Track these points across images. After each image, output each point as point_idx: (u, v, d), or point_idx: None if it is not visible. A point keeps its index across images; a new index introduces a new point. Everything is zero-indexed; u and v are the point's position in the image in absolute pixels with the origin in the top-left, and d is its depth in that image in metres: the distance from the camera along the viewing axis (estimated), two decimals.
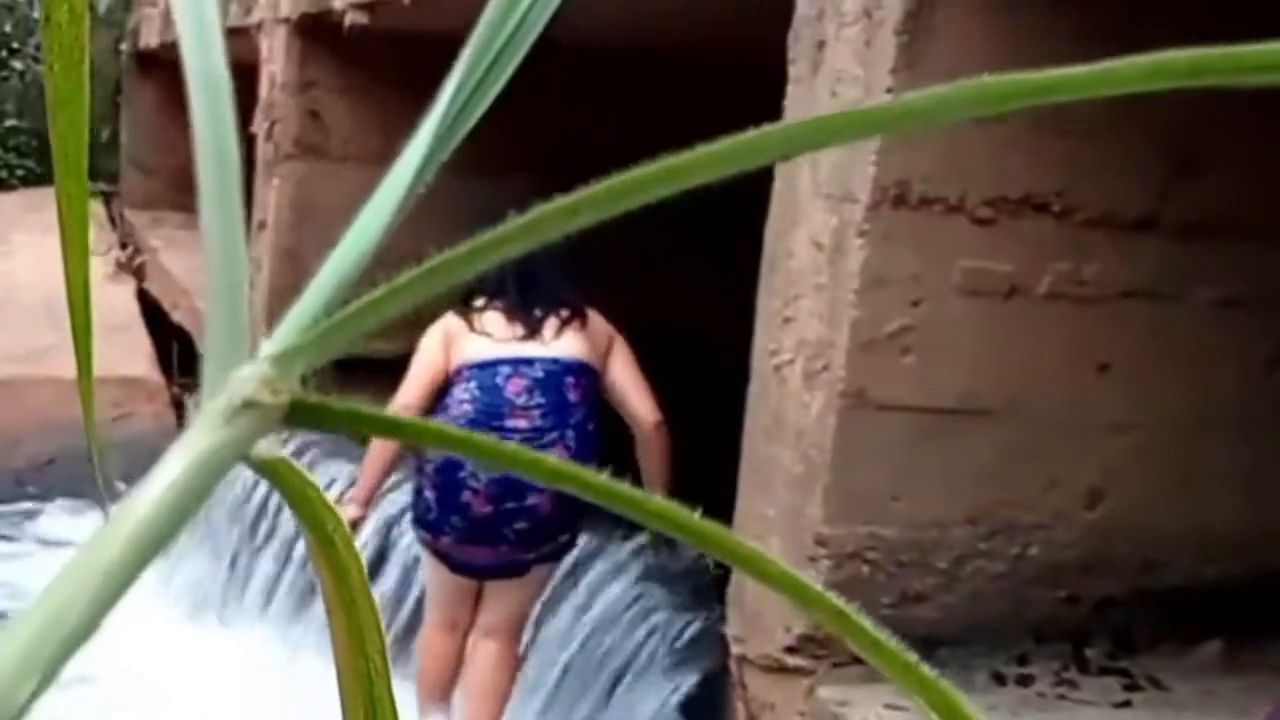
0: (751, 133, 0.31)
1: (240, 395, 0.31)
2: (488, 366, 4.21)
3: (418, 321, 4.96)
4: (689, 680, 4.09)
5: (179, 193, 10.87)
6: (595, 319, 4.35)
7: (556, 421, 4.16)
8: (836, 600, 0.34)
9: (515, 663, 4.40)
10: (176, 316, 8.56)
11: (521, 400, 4.16)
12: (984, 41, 3.19)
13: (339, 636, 0.39)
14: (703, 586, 4.20)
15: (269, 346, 0.32)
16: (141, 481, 0.30)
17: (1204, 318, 3.55)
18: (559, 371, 4.20)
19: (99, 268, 8.81)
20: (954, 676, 3.10)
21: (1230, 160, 3.47)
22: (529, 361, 4.20)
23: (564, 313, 4.30)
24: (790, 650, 3.41)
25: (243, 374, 0.31)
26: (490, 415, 4.14)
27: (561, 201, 0.32)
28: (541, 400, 4.17)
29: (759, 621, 3.51)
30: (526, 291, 4.28)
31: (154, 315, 8.90)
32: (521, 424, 4.12)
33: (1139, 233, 3.43)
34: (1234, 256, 3.54)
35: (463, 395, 4.22)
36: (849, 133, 0.32)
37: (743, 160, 0.31)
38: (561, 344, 4.26)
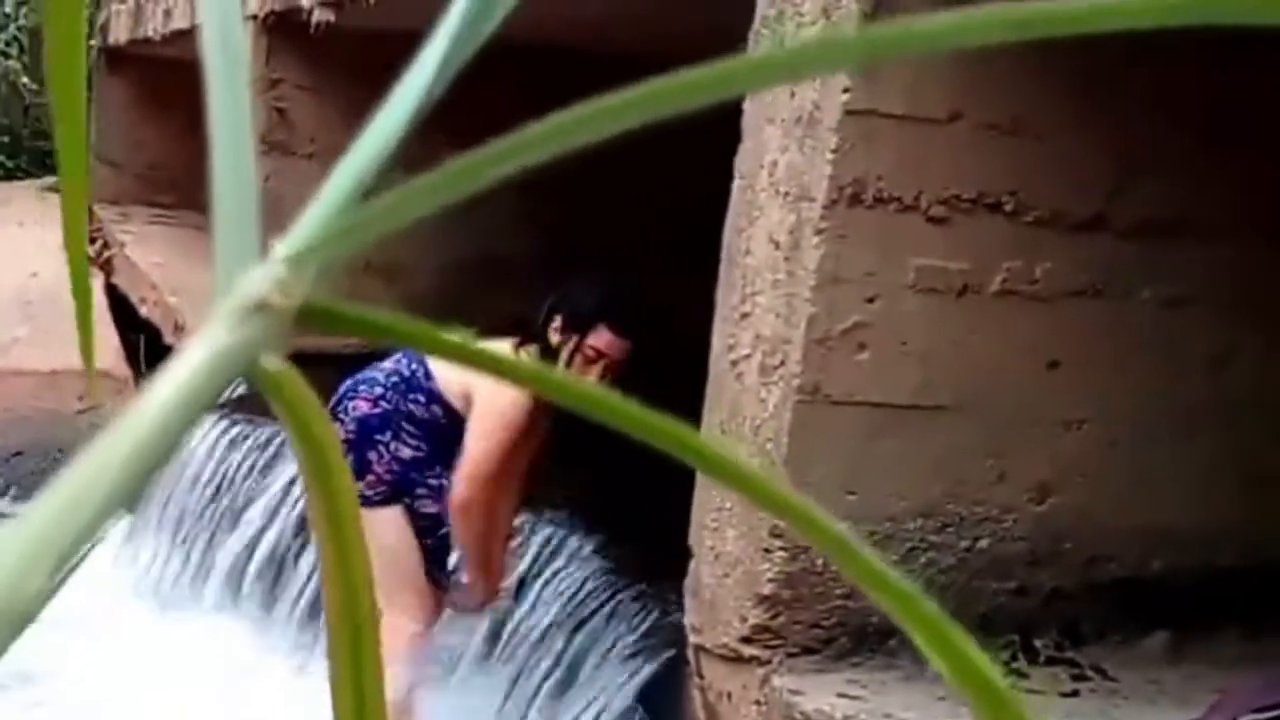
0: (739, 59, 0.32)
1: (252, 296, 0.30)
2: None
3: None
4: (647, 669, 4.14)
5: (147, 188, 10.88)
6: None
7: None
8: (801, 501, 0.34)
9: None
10: (144, 310, 8.56)
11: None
12: None
13: (329, 578, 0.36)
14: (661, 576, 4.25)
15: (282, 249, 0.31)
16: (147, 390, 0.29)
17: (1152, 316, 3.62)
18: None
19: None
20: (906, 665, 3.16)
21: (1176, 162, 3.54)
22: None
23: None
24: (746, 640, 3.47)
25: (255, 275, 0.31)
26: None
27: (570, 114, 0.32)
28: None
29: (715, 612, 3.56)
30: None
31: (121, 309, 8.90)
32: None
33: (1088, 232, 3.50)
34: (1180, 256, 3.61)
35: None
36: (825, 62, 0.34)
37: (736, 86, 0.32)
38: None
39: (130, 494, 0.28)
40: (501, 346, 3.73)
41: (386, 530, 4.15)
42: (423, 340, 0.33)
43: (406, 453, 4.18)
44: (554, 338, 4.06)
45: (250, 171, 0.34)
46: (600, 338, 4.04)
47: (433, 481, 4.20)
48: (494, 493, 4.11)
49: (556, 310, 4.08)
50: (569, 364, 3.99)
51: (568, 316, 4.06)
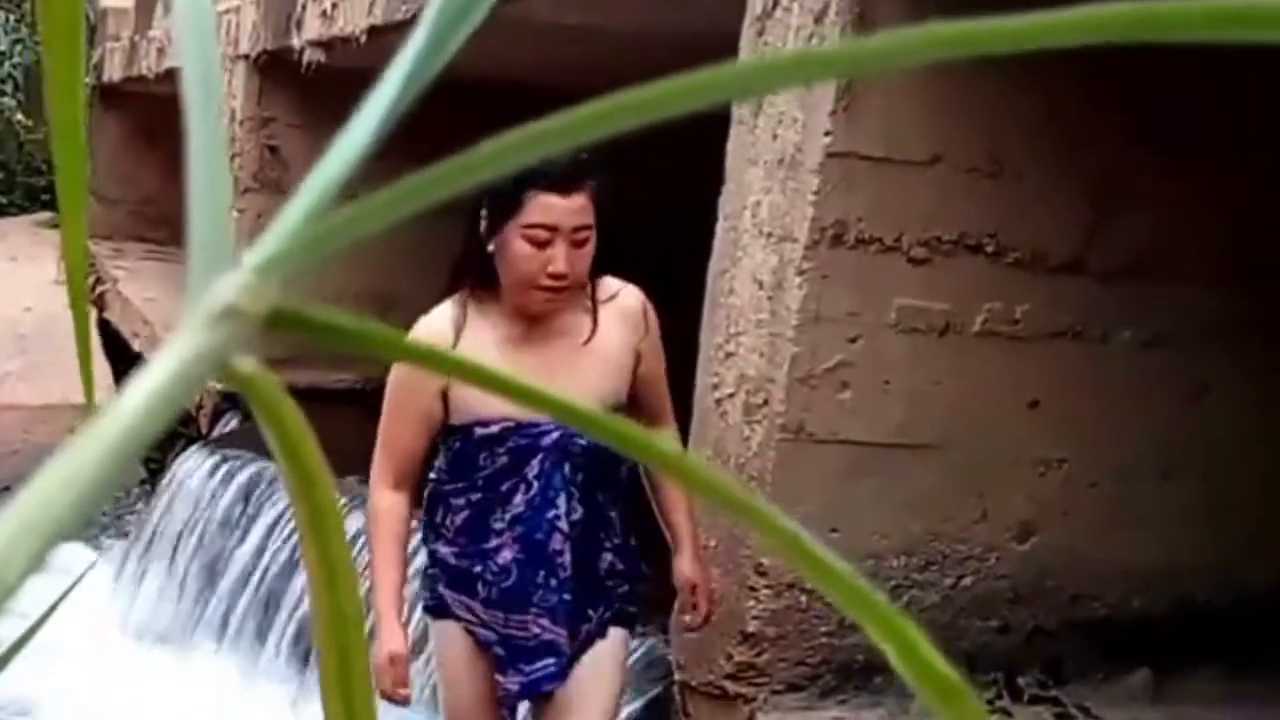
0: (718, 69, 0.33)
1: (221, 302, 0.31)
2: None
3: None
4: (633, 706, 4.15)
5: (140, 224, 10.95)
6: None
7: None
8: (787, 523, 0.34)
9: None
10: (137, 345, 8.59)
11: None
12: (920, 86, 3.30)
13: (314, 584, 0.37)
14: (647, 613, 4.26)
15: (251, 257, 0.33)
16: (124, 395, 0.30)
17: (1130, 357, 3.66)
18: None
19: (60, 296, 8.84)
20: (891, 703, 3.18)
21: (1152, 204, 3.59)
22: None
23: None
24: (731, 677, 3.49)
25: (224, 282, 0.32)
26: None
27: (531, 128, 0.33)
28: None
29: (701, 649, 3.58)
30: None
31: (114, 344, 8.93)
32: None
33: (1067, 274, 3.54)
34: (1157, 297, 3.65)
35: None
36: (799, 75, 0.34)
37: (710, 95, 0.32)
38: None
39: (105, 490, 0.29)
40: (441, 311, 3.09)
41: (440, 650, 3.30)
42: (386, 345, 0.34)
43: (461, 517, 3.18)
44: (490, 243, 3.00)
45: (225, 184, 0.35)
46: (540, 208, 2.93)
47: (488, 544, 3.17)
48: (398, 492, 3.15)
49: (479, 220, 3.00)
50: (527, 271, 2.97)
51: (493, 212, 2.96)
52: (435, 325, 3.07)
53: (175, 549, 6.17)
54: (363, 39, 5.49)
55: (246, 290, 0.32)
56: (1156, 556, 3.78)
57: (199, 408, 7.19)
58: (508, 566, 3.11)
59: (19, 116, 12.69)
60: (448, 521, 3.16)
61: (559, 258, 2.93)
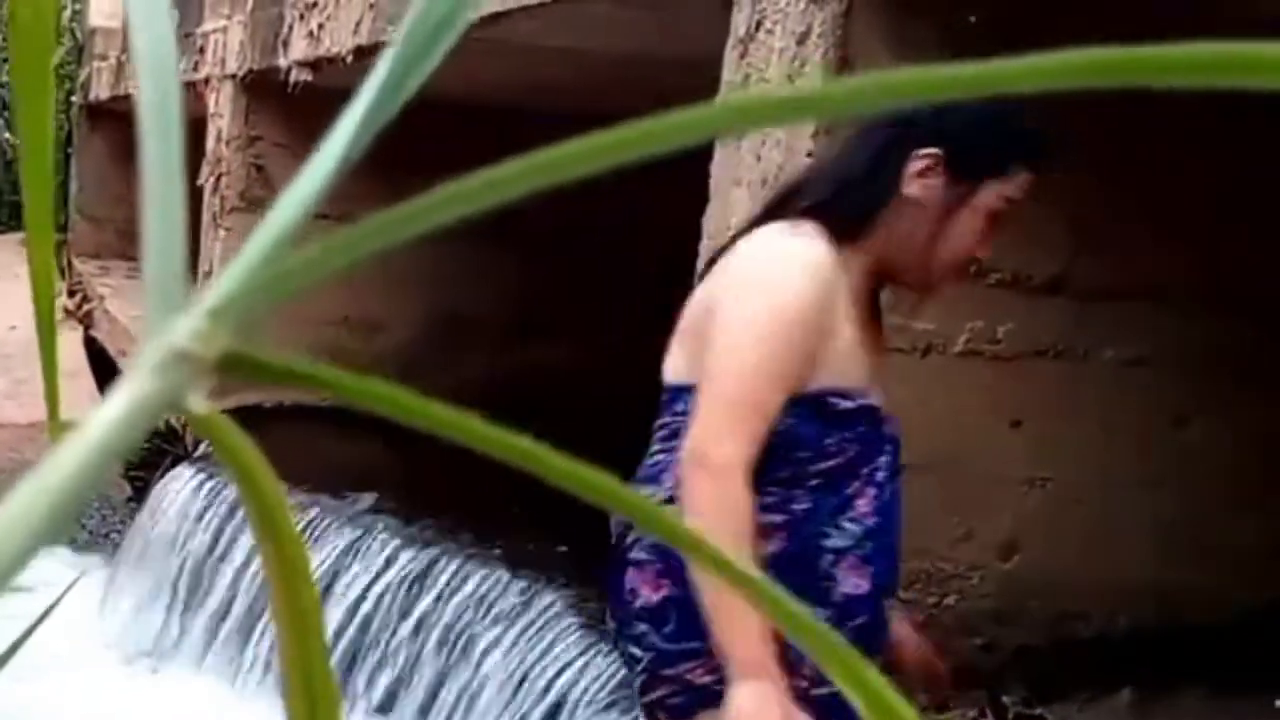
0: (707, 106, 0.33)
1: (172, 346, 0.32)
2: None
3: None
4: None
5: (127, 242, 10.96)
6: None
7: None
8: (716, 549, 0.33)
9: None
10: (123, 363, 8.60)
11: None
12: None
13: (280, 618, 0.36)
14: None
15: (206, 301, 0.33)
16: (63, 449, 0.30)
17: (1112, 376, 3.67)
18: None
19: None
20: None
21: (1133, 225, 3.60)
22: None
23: None
24: None
25: (176, 326, 0.32)
26: None
27: (513, 165, 0.33)
28: None
29: None
30: None
31: (100, 361, 8.93)
32: None
33: (1049, 294, 3.56)
34: (1138, 318, 3.67)
35: None
36: (776, 116, 0.34)
37: (694, 132, 0.32)
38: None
39: (54, 531, 0.29)
40: (812, 240, 2.19)
41: None
42: (346, 388, 0.33)
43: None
44: (918, 188, 2.23)
45: (179, 225, 0.35)
46: (1022, 186, 2.35)
47: None
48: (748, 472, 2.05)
49: (908, 151, 2.23)
50: (968, 246, 2.28)
51: (970, 160, 2.27)
52: (822, 255, 2.17)
53: (160, 566, 6.16)
54: (349, 59, 5.50)
55: (198, 334, 0.32)
56: (1141, 575, 3.79)
57: (184, 426, 7.19)
58: (861, 598, 2.21)
59: (7, 135, 12.70)
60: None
61: (988, 242, 2.35)
